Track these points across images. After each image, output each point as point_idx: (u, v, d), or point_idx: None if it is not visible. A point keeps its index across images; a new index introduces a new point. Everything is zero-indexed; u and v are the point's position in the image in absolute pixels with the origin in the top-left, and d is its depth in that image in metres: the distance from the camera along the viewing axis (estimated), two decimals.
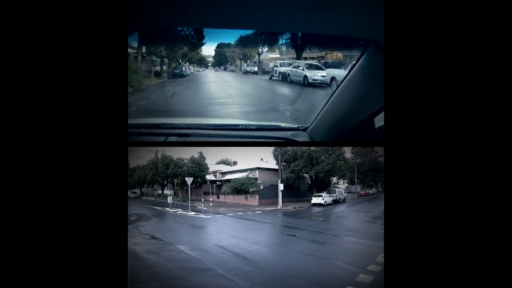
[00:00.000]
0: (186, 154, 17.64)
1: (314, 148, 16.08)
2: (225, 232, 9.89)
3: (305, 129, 4.32)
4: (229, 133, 4.60)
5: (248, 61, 13.74)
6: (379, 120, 3.80)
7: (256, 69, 13.45)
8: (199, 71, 13.88)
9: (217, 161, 20.50)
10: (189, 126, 4.65)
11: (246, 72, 13.66)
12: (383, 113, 3.55)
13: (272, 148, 16.13)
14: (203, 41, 12.65)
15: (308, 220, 12.35)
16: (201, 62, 13.98)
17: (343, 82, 3.57)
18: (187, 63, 13.65)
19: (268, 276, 5.62)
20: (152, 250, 7.55)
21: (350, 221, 11.86)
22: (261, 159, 17.69)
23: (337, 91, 3.69)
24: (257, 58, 13.44)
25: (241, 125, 4.97)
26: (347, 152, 17.46)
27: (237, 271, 5.81)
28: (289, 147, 15.48)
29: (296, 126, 4.50)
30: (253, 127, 4.82)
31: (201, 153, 17.49)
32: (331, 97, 3.82)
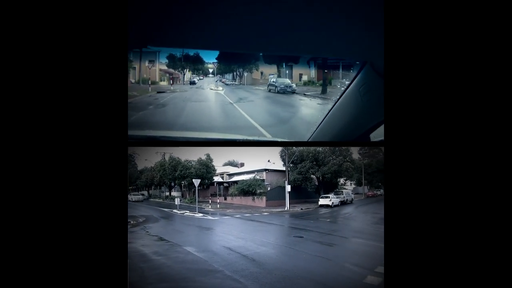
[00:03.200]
0: (193, 155, 17.72)
1: (320, 148, 16.05)
2: (233, 234, 9.92)
3: None
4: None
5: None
6: (375, 137, 3.83)
7: None
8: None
9: (224, 162, 20.53)
10: (187, 140, 4.71)
11: None
12: (377, 129, 3.60)
13: (279, 149, 16.16)
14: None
15: (315, 221, 12.33)
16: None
17: (340, 100, 3.62)
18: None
19: (275, 277, 5.63)
20: (160, 251, 7.60)
21: (358, 223, 11.82)
22: (268, 161, 17.73)
23: (333, 108, 3.74)
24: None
25: (240, 140, 5.03)
26: (355, 153, 17.41)
27: (245, 273, 5.83)
28: (295, 148, 15.45)
29: (294, 141, 4.54)
30: (250, 142, 4.91)
31: (208, 155, 17.55)
32: (327, 115, 3.87)
